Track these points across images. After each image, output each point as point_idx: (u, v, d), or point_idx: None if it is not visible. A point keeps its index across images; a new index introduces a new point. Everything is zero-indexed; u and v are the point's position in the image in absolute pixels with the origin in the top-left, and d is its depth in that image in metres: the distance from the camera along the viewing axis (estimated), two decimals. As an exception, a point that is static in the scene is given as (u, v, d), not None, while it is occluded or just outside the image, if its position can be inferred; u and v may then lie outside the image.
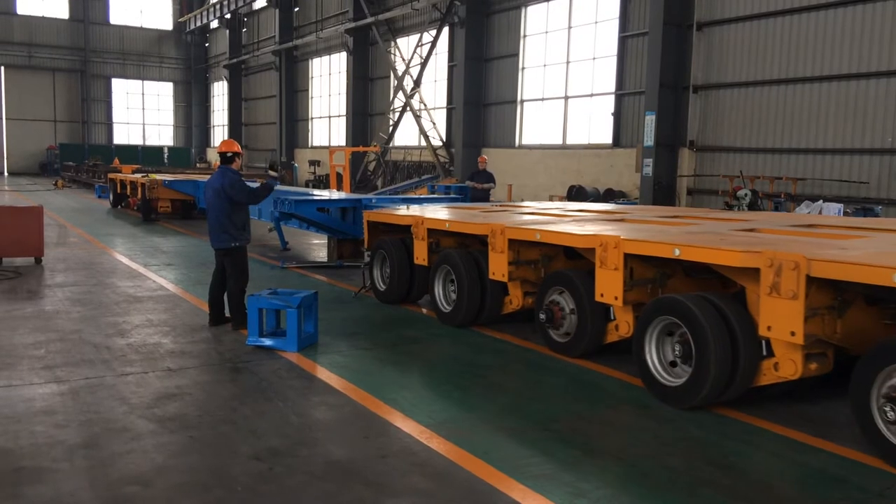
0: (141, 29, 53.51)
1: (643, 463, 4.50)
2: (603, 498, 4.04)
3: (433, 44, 28.98)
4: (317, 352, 6.92)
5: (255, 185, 8.22)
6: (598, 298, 6.29)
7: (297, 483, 4.15)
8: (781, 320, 4.90)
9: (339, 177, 23.44)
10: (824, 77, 16.47)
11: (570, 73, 23.78)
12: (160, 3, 54.24)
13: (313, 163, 37.05)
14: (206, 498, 3.97)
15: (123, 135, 54.03)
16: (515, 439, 4.84)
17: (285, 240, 13.60)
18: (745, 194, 15.65)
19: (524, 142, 25.63)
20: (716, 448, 4.77)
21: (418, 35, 29.85)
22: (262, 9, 44.39)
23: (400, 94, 30.83)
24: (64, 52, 50.48)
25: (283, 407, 5.39)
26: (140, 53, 53.43)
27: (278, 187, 12.92)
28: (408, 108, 30.40)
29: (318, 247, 14.81)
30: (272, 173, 8.15)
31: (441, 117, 29.62)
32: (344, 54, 35.57)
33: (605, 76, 22.35)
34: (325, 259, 12.95)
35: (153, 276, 10.98)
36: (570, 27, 23.64)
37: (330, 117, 39.01)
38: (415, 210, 9.79)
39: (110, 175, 25.71)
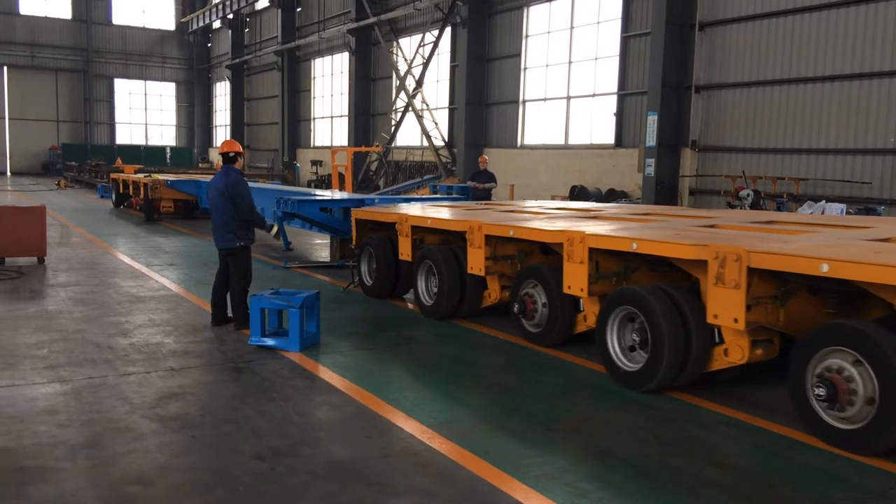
0: (143, 29, 53.59)
1: (645, 463, 4.50)
2: (605, 498, 4.04)
3: (435, 44, 29.00)
4: (319, 352, 6.93)
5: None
6: (565, 290, 6.65)
7: (299, 483, 4.16)
8: (726, 308, 5.25)
9: (342, 177, 23.45)
10: (827, 77, 16.46)
11: (572, 73, 23.78)
12: (163, 4, 54.31)
13: (315, 163, 37.08)
14: (207, 497, 3.97)
15: (126, 135, 54.11)
16: (517, 439, 4.85)
17: (288, 240, 13.61)
18: (748, 194, 15.64)
19: (526, 142, 25.63)
20: (717, 448, 4.76)
21: (420, 35, 29.87)
22: (265, 9, 44.43)
23: (402, 95, 30.85)
24: (67, 52, 50.56)
25: (285, 407, 5.40)
26: (143, 53, 53.50)
27: (281, 187, 12.86)
28: (410, 109, 30.42)
29: (320, 247, 14.83)
30: (271, 230, 8.52)
31: (443, 117, 29.63)
32: (346, 54, 35.58)
33: (608, 76, 22.35)
34: (328, 259, 12.96)
35: (155, 276, 11.00)
36: (572, 27, 23.64)
37: (332, 117, 39.03)
38: (399, 208, 10.07)
39: (113, 175, 25.73)
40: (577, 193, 21.03)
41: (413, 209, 10.05)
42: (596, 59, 22.87)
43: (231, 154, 7.77)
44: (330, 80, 39.12)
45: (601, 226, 7.27)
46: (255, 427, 4.98)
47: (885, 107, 15.46)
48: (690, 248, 5.58)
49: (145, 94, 54.92)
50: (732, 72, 18.43)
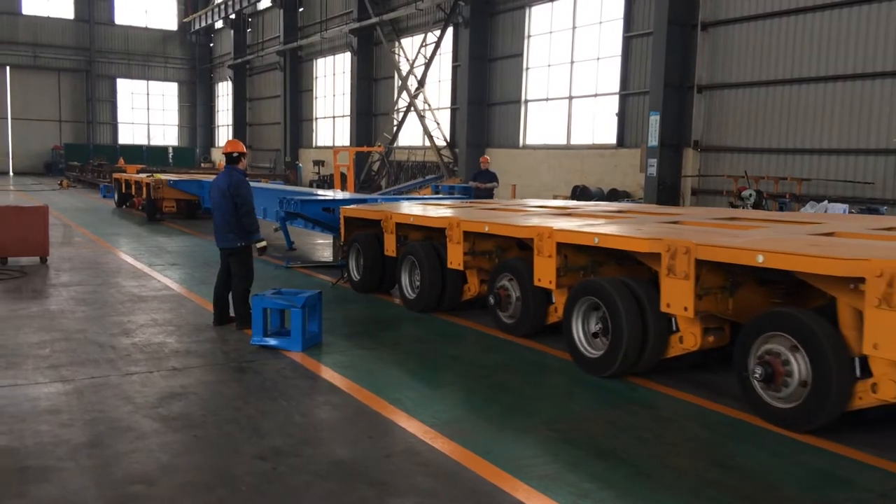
0: (146, 29, 53.62)
1: (647, 463, 4.50)
2: (607, 498, 4.04)
3: (437, 44, 29.00)
4: (321, 351, 6.93)
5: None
6: (536, 283, 7.01)
7: (301, 483, 4.16)
8: (677, 298, 5.63)
9: (344, 177, 23.45)
10: (829, 77, 16.44)
11: (574, 73, 23.76)
12: (165, 4, 54.34)
13: (317, 163, 37.10)
14: (210, 497, 3.98)
15: (128, 135, 54.15)
16: (519, 439, 4.85)
17: (291, 239, 13.62)
18: (750, 195, 15.63)
19: (528, 142, 25.62)
20: (720, 448, 4.76)
21: (422, 35, 29.87)
22: (267, 9, 44.45)
23: (404, 95, 30.85)
24: (69, 52, 50.61)
25: (287, 406, 5.40)
26: (145, 53, 53.55)
27: (283, 187, 12.83)
28: (412, 109, 30.41)
29: (322, 246, 14.83)
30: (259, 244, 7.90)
31: (445, 117, 29.63)
32: (348, 54, 35.60)
33: (610, 76, 22.34)
34: (330, 259, 12.96)
35: (158, 276, 11.01)
36: (574, 27, 23.63)
37: (334, 117, 39.05)
38: (384, 206, 10.43)
39: (115, 175, 25.76)
40: (579, 193, 21.01)
41: (397, 207, 10.43)
42: (598, 59, 22.85)
43: (235, 154, 7.77)
44: (332, 80, 39.13)
45: (572, 222, 7.58)
46: (258, 427, 4.98)
47: (887, 107, 15.44)
48: (645, 241, 6.01)
49: (148, 94, 54.96)
50: (735, 72, 18.41)
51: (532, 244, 7.04)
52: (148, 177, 21.18)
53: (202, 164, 46.66)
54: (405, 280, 9.00)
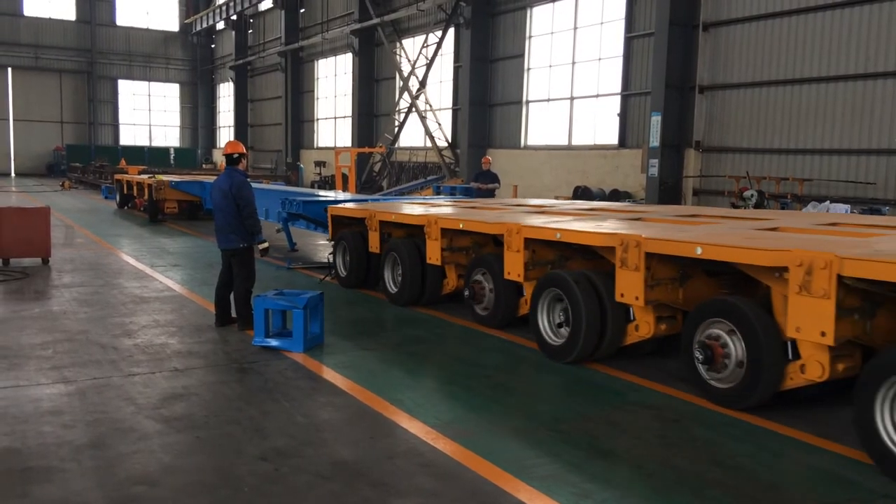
0: (147, 30, 53.67)
1: (649, 464, 4.50)
2: (609, 499, 4.04)
3: (438, 44, 29.00)
4: (322, 352, 6.94)
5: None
6: (506, 276, 7.46)
7: (304, 483, 4.16)
8: (630, 288, 6.05)
9: (345, 178, 23.48)
10: (831, 77, 16.43)
11: (575, 73, 23.76)
12: (166, 5, 54.39)
13: (319, 164, 37.12)
14: (212, 498, 3.98)
15: (130, 136, 54.19)
16: (521, 440, 4.85)
17: (293, 240, 13.63)
18: (752, 195, 15.62)
19: (529, 142, 25.62)
20: (722, 449, 4.76)
21: (424, 36, 29.87)
22: (268, 10, 44.47)
23: (405, 95, 30.85)
24: (71, 53, 50.67)
25: (289, 407, 5.41)
26: (146, 55, 53.59)
27: (285, 188, 12.86)
28: (413, 109, 30.42)
29: (324, 247, 14.83)
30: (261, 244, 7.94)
31: (446, 118, 29.64)
32: (349, 55, 35.61)
33: (611, 77, 22.33)
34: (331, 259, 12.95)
35: (160, 277, 11.02)
36: (575, 28, 23.63)
37: (335, 118, 39.06)
38: (368, 205, 10.88)
39: (117, 176, 25.77)
40: (581, 194, 21.00)
41: (380, 206, 10.89)
42: (599, 59, 22.85)
43: (235, 155, 7.77)
44: (333, 80, 39.15)
45: (542, 219, 7.91)
46: (260, 428, 4.99)
47: (889, 107, 15.42)
48: (601, 236, 6.46)
49: (149, 96, 55.01)
50: (736, 72, 18.40)
51: (503, 240, 7.45)
52: (150, 178, 21.19)
53: (204, 166, 46.72)
54: (388, 275, 9.40)
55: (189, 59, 55.18)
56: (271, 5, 43.36)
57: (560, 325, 6.75)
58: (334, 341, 7.32)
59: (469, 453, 4.59)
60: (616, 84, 22.04)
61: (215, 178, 10.44)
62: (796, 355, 5.16)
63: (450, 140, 29.11)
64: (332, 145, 38.10)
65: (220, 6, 46.88)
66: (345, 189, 23.15)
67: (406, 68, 30.89)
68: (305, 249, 14.52)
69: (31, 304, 8.90)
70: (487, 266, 7.93)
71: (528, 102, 25.60)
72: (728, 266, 5.64)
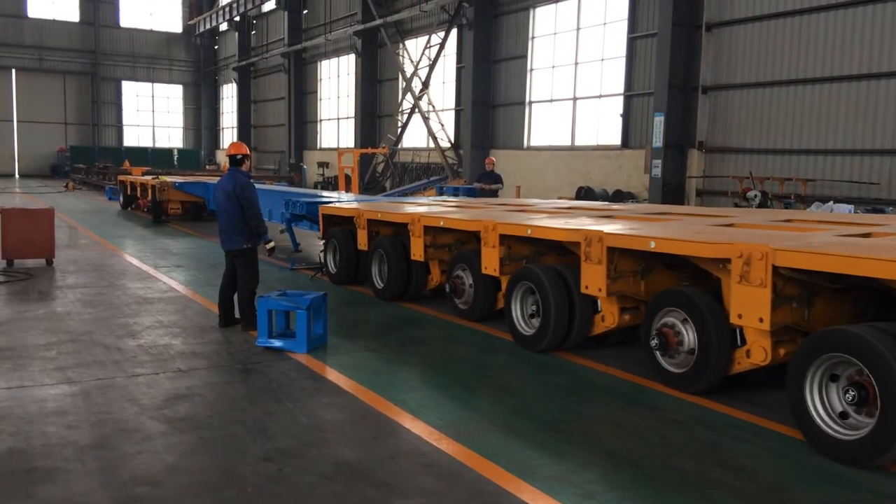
0: (151, 31, 53.78)
1: (652, 465, 4.50)
2: (612, 500, 4.04)
3: (441, 45, 29.00)
4: (326, 353, 6.95)
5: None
6: (483, 272, 7.80)
7: (307, 484, 4.17)
8: (593, 280, 6.43)
9: (348, 178, 23.50)
10: (834, 77, 16.40)
11: (578, 74, 23.75)
12: (169, 6, 54.51)
13: (322, 164, 37.14)
14: (216, 498, 3.99)
15: (133, 137, 54.32)
16: (524, 441, 4.85)
17: (297, 241, 13.66)
18: (755, 195, 15.61)
19: (532, 143, 25.62)
20: (725, 449, 4.76)
21: (427, 37, 29.89)
22: (271, 11, 44.51)
23: (408, 96, 30.87)
24: (74, 54, 50.78)
25: (292, 408, 5.41)
26: (150, 56, 53.70)
27: (288, 189, 12.89)
28: (416, 110, 30.43)
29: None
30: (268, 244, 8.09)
31: (449, 119, 29.64)
32: (352, 56, 35.63)
33: (614, 77, 22.31)
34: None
35: (163, 278, 11.04)
36: (578, 28, 23.62)
37: (338, 119, 39.10)
38: (355, 204, 11.24)
39: (120, 177, 25.82)
40: (584, 194, 20.98)
41: (368, 205, 11.16)
42: (602, 60, 22.84)
43: (238, 156, 7.79)
44: (336, 81, 39.18)
45: (519, 217, 8.23)
46: (263, 428, 5.00)
47: (893, 107, 15.39)
48: (567, 232, 6.82)
49: (153, 97, 55.13)
50: (739, 72, 18.38)
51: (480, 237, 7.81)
52: (153, 179, 21.22)
53: (207, 166, 46.75)
54: (375, 271, 9.72)
55: (192, 60, 55.27)
56: (274, 6, 43.40)
57: (532, 316, 7.11)
58: (337, 342, 7.33)
59: (472, 454, 4.59)
60: (619, 84, 22.02)
61: (218, 179, 10.46)
62: (743, 341, 5.49)
63: (453, 141, 29.11)
64: (336, 146, 38.13)
65: (223, 7, 46.94)
66: (348, 190, 23.18)
67: (409, 69, 30.91)
68: (309, 250, 14.53)
69: (35, 305, 8.92)
70: (467, 262, 8.24)
71: (531, 103, 25.59)
72: (683, 259, 6.00)
